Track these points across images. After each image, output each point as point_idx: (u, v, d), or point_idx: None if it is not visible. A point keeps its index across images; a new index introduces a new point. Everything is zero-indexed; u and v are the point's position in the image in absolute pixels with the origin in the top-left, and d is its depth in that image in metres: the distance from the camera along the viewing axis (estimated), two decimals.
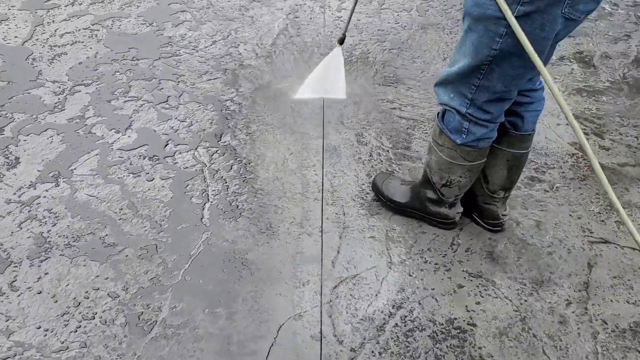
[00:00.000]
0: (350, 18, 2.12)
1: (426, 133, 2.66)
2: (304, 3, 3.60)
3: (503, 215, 2.13)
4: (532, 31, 1.48)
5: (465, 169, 1.91)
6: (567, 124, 2.73)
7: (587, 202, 2.32)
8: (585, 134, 2.69)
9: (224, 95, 2.81)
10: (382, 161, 2.49)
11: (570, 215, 2.26)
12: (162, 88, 2.84)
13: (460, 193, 2.03)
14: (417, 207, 2.16)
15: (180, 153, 2.47)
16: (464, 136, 1.82)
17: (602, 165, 2.41)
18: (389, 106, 2.81)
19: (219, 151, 2.50)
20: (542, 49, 1.54)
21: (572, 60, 3.19)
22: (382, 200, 2.24)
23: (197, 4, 3.52)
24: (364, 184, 2.36)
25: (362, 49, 3.21)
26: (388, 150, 2.55)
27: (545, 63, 1.61)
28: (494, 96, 1.70)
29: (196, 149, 2.50)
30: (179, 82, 2.88)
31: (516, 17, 1.45)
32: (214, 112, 2.71)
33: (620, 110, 2.84)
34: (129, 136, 2.54)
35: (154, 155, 2.45)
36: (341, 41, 2.19)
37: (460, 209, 2.14)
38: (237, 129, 2.61)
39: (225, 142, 2.55)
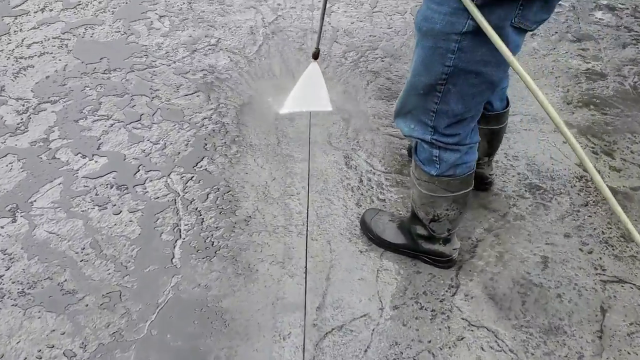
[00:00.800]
0: (320, 30, 2.01)
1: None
2: (288, 7, 3.36)
3: (490, 174, 2.22)
4: (485, 44, 1.36)
5: (450, 200, 1.75)
6: None
7: (599, 233, 2.11)
8: (594, 152, 2.47)
9: (201, 112, 2.59)
10: (372, 187, 2.27)
11: (580, 249, 2.05)
12: (135, 105, 2.61)
13: (453, 227, 1.85)
14: (410, 246, 1.98)
15: (151, 181, 2.25)
16: (437, 166, 1.68)
17: (613, 189, 2.21)
18: (381, 123, 2.59)
19: (194, 178, 2.27)
20: (496, 60, 1.41)
21: (578, 67, 2.96)
22: (372, 239, 2.04)
23: (176, 8, 3.29)
24: (352, 215, 2.15)
25: (352, 57, 2.98)
26: (379, 175, 2.33)
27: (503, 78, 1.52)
28: (455, 119, 1.57)
29: (169, 175, 2.28)
30: (153, 97, 2.65)
31: (465, 32, 1.36)
32: (190, 132, 2.49)
33: (631, 125, 2.62)
34: (96, 161, 2.32)
35: (123, 184, 2.23)
36: (315, 56, 2.11)
37: (457, 245, 1.95)
38: (215, 152, 2.39)
39: (201, 167, 2.33)
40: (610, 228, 2.13)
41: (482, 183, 2.21)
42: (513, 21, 1.35)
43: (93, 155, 2.34)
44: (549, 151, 2.46)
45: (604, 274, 1.97)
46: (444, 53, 1.42)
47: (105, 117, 2.53)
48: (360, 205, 2.18)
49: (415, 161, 1.74)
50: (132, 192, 2.19)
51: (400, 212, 2.15)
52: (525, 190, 2.28)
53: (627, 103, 2.75)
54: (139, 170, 2.29)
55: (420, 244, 1.94)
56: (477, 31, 1.34)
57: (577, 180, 2.33)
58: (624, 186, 2.31)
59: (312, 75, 2.31)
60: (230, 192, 2.22)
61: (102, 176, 2.26)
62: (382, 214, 2.07)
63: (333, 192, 2.24)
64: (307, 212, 2.15)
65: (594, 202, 2.24)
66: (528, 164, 2.39)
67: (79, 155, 2.34)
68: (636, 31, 3.30)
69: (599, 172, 2.36)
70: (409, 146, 2.13)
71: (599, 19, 3.38)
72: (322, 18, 2.02)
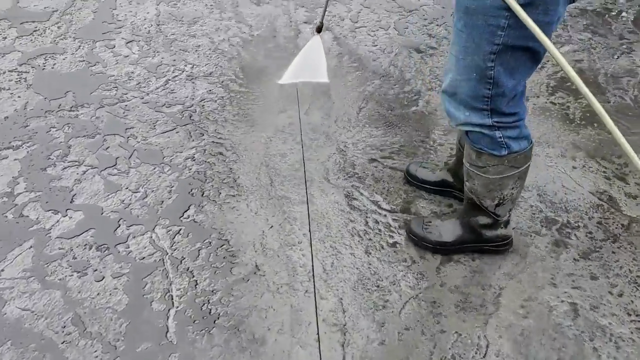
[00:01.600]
0: (326, 5, 1.97)
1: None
2: (265, 24, 3.14)
3: None
4: (535, 18, 1.33)
5: (516, 177, 1.77)
6: (583, 166, 2.38)
7: (626, 272, 1.97)
8: (607, 178, 2.34)
9: (183, 151, 2.35)
10: (380, 230, 2.08)
11: (610, 292, 1.91)
12: (109, 147, 2.36)
13: (514, 206, 1.89)
14: (473, 239, 1.96)
15: (134, 237, 2.01)
16: (504, 145, 1.69)
17: (631, 219, 2.07)
18: (380, 155, 2.40)
19: (182, 231, 2.05)
20: (547, 35, 1.36)
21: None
22: (430, 247, 2.00)
23: (143, 31, 3.03)
24: (362, 266, 1.96)
25: (339, 81, 2.78)
26: (386, 215, 2.15)
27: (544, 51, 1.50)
28: (511, 95, 1.59)
29: (154, 229, 2.05)
30: (128, 137, 2.40)
31: (520, 6, 1.32)
32: (172, 175, 2.25)
33: (638, 143, 2.50)
34: (70, 217, 2.07)
35: (103, 244, 1.98)
36: (319, 29, 2.05)
37: (513, 224, 2.01)
38: (202, 198, 2.16)
39: (188, 217, 2.10)
40: (637, 265, 2.00)
41: None
42: None
43: (66, 210, 2.09)
44: (559, 179, 2.31)
45: (638, 320, 1.82)
46: (494, 30, 1.43)
47: (77, 163, 2.28)
48: (370, 254, 1.99)
49: (476, 150, 1.72)
50: (114, 253, 1.96)
51: (435, 215, 1.97)
52: (542, 226, 2.12)
53: (631, 119, 2.63)
54: (119, 226, 2.05)
55: (483, 234, 1.93)
56: (528, 4, 1.34)
57: (594, 210, 2.19)
58: None
59: (313, 48, 2.18)
60: (223, 246, 2.00)
61: (78, 235, 2.01)
62: (429, 220, 2.03)
63: (338, 239, 2.05)
64: (312, 265, 1.95)
65: (614, 235, 2.10)
66: (540, 195, 2.24)
67: (51, 211, 2.08)
68: (627, 38, 3.19)
69: (613, 199, 2.23)
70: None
71: (588, 25, 3.26)
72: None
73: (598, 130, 2.56)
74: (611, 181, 2.31)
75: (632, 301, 1.88)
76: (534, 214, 2.16)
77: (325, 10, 2.03)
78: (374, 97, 2.70)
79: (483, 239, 1.95)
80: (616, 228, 2.13)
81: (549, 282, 1.93)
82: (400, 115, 2.61)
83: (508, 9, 1.36)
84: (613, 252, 2.04)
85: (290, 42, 3.02)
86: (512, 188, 1.79)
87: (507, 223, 1.92)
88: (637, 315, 1.84)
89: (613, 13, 3.37)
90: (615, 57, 3.03)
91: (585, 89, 1.32)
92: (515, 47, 1.46)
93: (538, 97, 2.74)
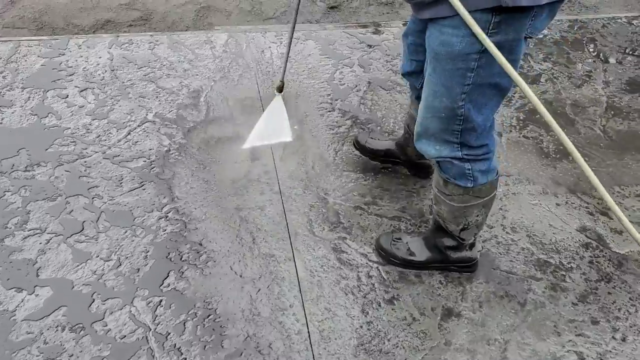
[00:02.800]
0: (286, 64, 2.07)
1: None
2: (231, 63, 3.02)
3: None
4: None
5: (480, 206, 1.83)
6: (566, 202, 2.36)
7: (625, 314, 1.95)
8: (590, 213, 2.33)
9: (154, 210, 2.20)
10: (374, 286, 1.99)
11: (613, 337, 1.88)
12: (73, 210, 2.17)
13: (479, 230, 1.95)
14: (439, 260, 2.02)
15: (112, 313, 1.84)
16: (471, 178, 1.74)
17: (621, 257, 2.06)
18: (363, 201, 2.31)
19: (163, 302, 1.89)
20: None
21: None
22: (398, 264, 2.05)
23: (97, 77, 2.85)
24: (361, 328, 1.85)
25: (311, 124, 2.69)
26: (378, 268, 2.06)
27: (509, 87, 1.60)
28: (480, 130, 1.65)
29: (132, 302, 1.88)
30: (93, 198, 2.23)
31: (484, 50, 1.43)
32: (146, 238, 2.09)
33: (615, 176, 2.52)
34: (37, 295, 1.88)
35: (77, 323, 1.81)
36: (280, 89, 2.14)
37: (480, 246, 2.09)
38: (181, 262, 2.01)
39: (169, 285, 1.94)
40: (634, 306, 1.98)
41: (424, 175, 2.40)
42: (527, 32, 1.45)
43: (32, 286, 1.90)
44: (545, 218, 2.28)
45: None
46: (464, 73, 1.50)
47: (39, 231, 2.08)
48: (367, 313, 1.89)
49: (444, 179, 1.78)
50: (91, 333, 1.78)
51: (413, 258, 1.89)
52: (536, 269, 2.08)
53: (603, 151, 2.66)
54: (93, 301, 1.88)
55: (449, 255, 1.99)
56: (496, 46, 1.41)
57: (584, 249, 2.17)
58: (630, 251, 2.17)
59: (275, 108, 2.24)
60: (210, 317, 1.86)
61: (48, 315, 1.83)
62: (397, 236, 2.08)
63: (331, 299, 1.94)
64: (308, 332, 1.83)
65: (607, 275, 2.08)
66: (529, 236, 2.20)
67: (14, 289, 1.89)
68: (586, 66, 3.25)
69: (600, 236, 2.22)
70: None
71: (547, 55, 3.30)
72: (288, 50, 2.02)
73: (574, 164, 2.56)
74: (595, 217, 2.31)
75: (636, 347, 1.85)
76: (526, 257, 2.12)
77: (285, 68, 2.12)
78: (348, 139, 2.62)
79: (449, 260, 2.00)
80: (608, 267, 2.11)
81: (552, 331, 1.88)
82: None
83: (476, 53, 1.45)
84: (609, 293, 2.02)
85: (263, 76, 2.91)
86: (477, 215, 1.85)
87: (472, 246, 1.98)
88: None
89: (570, 41, 3.43)
90: (577, 86, 3.07)
91: (558, 129, 1.50)
92: (483, 84, 1.53)
93: (510, 131, 2.72)
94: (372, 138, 2.44)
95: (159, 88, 2.82)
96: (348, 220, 2.23)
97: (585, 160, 2.53)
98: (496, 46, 1.41)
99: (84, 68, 2.93)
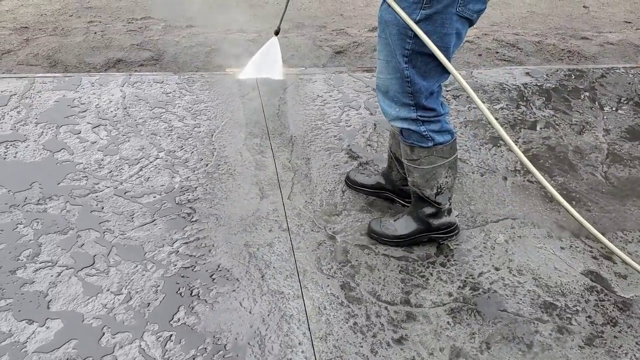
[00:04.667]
0: (284, 12, 2.31)
1: (422, 275, 2.21)
2: (241, 104, 3.09)
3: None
4: (435, 29, 1.77)
5: (447, 167, 2.09)
6: (571, 246, 2.40)
7: (631, 358, 1.96)
8: (594, 258, 2.36)
9: (165, 245, 2.22)
10: (383, 326, 2.00)
11: None
12: (84, 244, 2.20)
13: (451, 194, 2.21)
14: (423, 229, 2.25)
15: (121, 347, 1.85)
16: (430, 139, 2.02)
17: (626, 301, 2.08)
18: (369, 241, 2.34)
19: (173, 337, 1.89)
20: (447, 45, 1.81)
21: (549, 160, 2.90)
22: (388, 242, 2.29)
23: (109, 115, 2.91)
24: None
25: (318, 163, 2.75)
26: (386, 308, 2.07)
27: (449, 59, 1.84)
28: (427, 93, 1.93)
29: (142, 337, 1.89)
30: (104, 232, 2.25)
31: (419, 20, 1.75)
32: (157, 273, 2.11)
33: (618, 220, 2.56)
34: (47, 327, 1.89)
35: (87, 357, 1.81)
36: (276, 32, 2.43)
37: (456, 212, 2.40)
38: (191, 297, 2.03)
39: (179, 320, 1.95)
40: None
41: (408, 200, 2.46)
42: (457, 9, 1.74)
43: (44, 319, 1.90)
44: (551, 261, 2.31)
45: None
46: (404, 38, 1.81)
47: (50, 264, 2.10)
48: (377, 352, 1.90)
49: (408, 145, 2.06)
50: None
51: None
52: (542, 312, 2.10)
53: (605, 197, 2.70)
54: (104, 334, 1.88)
55: (431, 223, 2.23)
56: (428, 19, 1.75)
57: (589, 293, 2.19)
58: (636, 295, 2.20)
59: (270, 48, 2.54)
60: (220, 352, 1.86)
61: (58, 348, 1.83)
62: (385, 218, 2.34)
63: (340, 337, 1.95)
64: None
65: (612, 319, 2.10)
66: (535, 279, 2.23)
67: (25, 320, 1.90)
68: (586, 114, 3.33)
69: (605, 280, 2.25)
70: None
71: (546, 102, 3.39)
72: (287, 2, 2.22)
73: (577, 209, 2.61)
74: (599, 261, 2.34)
75: None
76: (532, 299, 2.14)
77: (283, 16, 2.35)
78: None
79: (432, 228, 2.25)
80: (613, 311, 2.13)
81: None
82: (384, 197, 2.57)
83: (414, 22, 1.74)
84: (615, 337, 2.03)
85: (271, 116, 2.98)
86: (446, 177, 2.11)
87: (449, 211, 2.24)
88: None
89: (569, 89, 3.53)
90: (579, 133, 3.14)
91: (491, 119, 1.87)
92: (422, 53, 1.81)
93: (515, 175, 2.78)
94: (361, 173, 2.61)
95: (170, 126, 2.87)
96: (356, 259, 2.26)
97: (588, 205, 2.60)
98: (427, 18, 1.73)
99: (97, 105, 2.99)
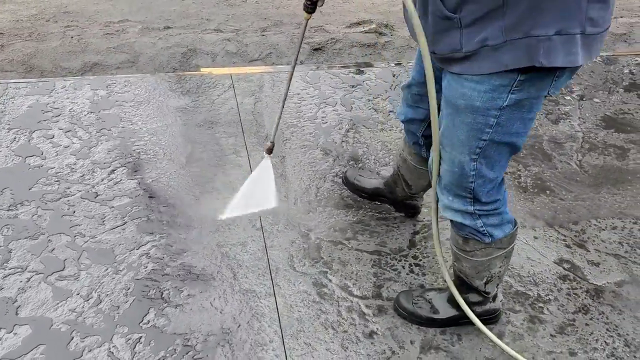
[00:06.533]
0: (277, 125, 2.07)
1: (395, 269, 2.20)
2: (217, 105, 3.08)
3: (421, 205, 2.42)
4: (521, 116, 1.48)
5: (503, 257, 1.81)
6: (544, 236, 2.40)
7: (603, 345, 1.97)
8: (567, 246, 2.37)
9: (137, 248, 2.21)
10: (354, 320, 2.00)
11: None
12: (54, 249, 2.19)
13: (501, 281, 1.93)
14: (463, 316, 1.92)
15: (90, 350, 1.84)
16: (487, 234, 1.73)
17: (598, 288, 2.09)
18: (344, 237, 2.34)
19: (142, 339, 1.89)
20: (526, 130, 1.53)
21: (523, 150, 2.90)
22: (420, 323, 1.99)
23: (83, 119, 2.90)
24: None
25: (293, 161, 2.74)
26: (358, 302, 2.07)
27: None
28: (492, 185, 1.64)
29: (111, 339, 1.88)
30: (75, 236, 2.24)
31: (506, 106, 1.44)
32: (127, 276, 2.10)
33: (592, 209, 2.57)
34: (15, 333, 1.88)
35: None
36: (269, 150, 2.14)
37: (501, 296, 2.03)
38: (162, 299, 2.02)
39: (149, 322, 1.95)
40: (612, 336, 2.00)
41: (412, 212, 2.42)
42: (548, 92, 1.45)
43: (12, 325, 1.89)
44: (523, 251, 2.32)
45: None
46: (482, 128, 1.49)
47: (20, 270, 2.09)
48: (347, 348, 1.90)
49: (465, 237, 1.76)
50: None
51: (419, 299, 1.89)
52: (514, 302, 2.10)
53: (580, 185, 2.71)
54: (72, 338, 1.87)
55: (474, 310, 1.91)
56: (516, 104, 1.44)
57: (561, 282, 2.20)
58: (608, 282, 2.20)
59: (263, 170, 2.24)
60: (189, 353, 1.86)
61: (26, 354, 1.82)
62: (417, 294, 2.03)
63: (311, 334, 1.94)
64: None
65: (584, 307, 2.10)
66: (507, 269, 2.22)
67: None
68: (562, 104, 3.33)
69: (577, 268, 2.25)
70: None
71: None
72: (282, 108, 2.04)
73: (551, 198, 2.61)
74: (572, 249, 2.34)
75: None
76: (505, 289, 2.15)
77: (277, 129, 2.10)
78: (330, 176, 2.66)
79: (474, 315, 1.92)
80: (585, 298, 2.13)
81: None
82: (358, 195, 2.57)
83: (497, 109, 1.45)
84: (587, 325, 2.04)
85: (248, 117, 2.97)
86: (500, 267, 1.83)
87: (495, 297, 1.96)
88: None
89: None
90: (555, 123, 3.15)
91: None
92: (500, 142, 1.52)
93: None
94: (361, 175, 2.49)
95: (144, 128, 2.86)
96: (329, 255, 2.26)
97: (562, 194, 2.60)
98: (516, 103, 1.44)
99: (70, 109, 2.98)
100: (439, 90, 1.56)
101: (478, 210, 1.67)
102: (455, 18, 1.38)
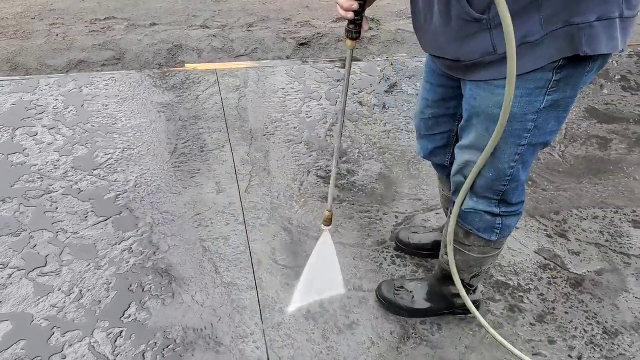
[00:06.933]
0: (332, 191, 1.82)
1: (377, 261, 2.21)
2: (202, 101, 3.08)
3: None
4: (557, 115, 1.41)
5: (496, 256, 1.81)
6: (525, 226, 2.41)
7: (582, 333, 1.98)
8: (549, 236, 2.38)
9: (119, 243, 2.22)
10: (335, 311, 2.01)
11: (570, 356, 1.90)
12: (36, 245, 2.19)
13: (486, 276, 1.98)
14: (445, 307, 1.97)
15: (71, 345, 1.84)
16: (498, 232, 1.68)
17: (579, 277, 2.10)
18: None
19: (124, 333, 1.89)
20: (560, 127, 1.46)
21: None
22: (401, 313, 1.99)
23: (68, 116, 2.90)
24: (322, 352, 1.87)
25: (277, 155, 2.74)
26: (340, 294, 2.07)
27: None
28: (522, 187, 1.60)
29: (92, 334, 1.88)
30: (57, 232, 2.24)
31: (543, 108, 1.37)
32: (109, 271, 2.10)
33: (573, 199, 2.58)
34: None
35: (36, 357, 1.80)
36: (329, 220, 1.86)
37: (482, 287, 2.04)
38: (143, 293, 2.02)
39: (130, 316, 1.95)
40: (591, 324, 2.01)
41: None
42: (582, 88, 1.41)
43: None
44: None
45: None
46: (520, 134, 1.42)
47: (1, 266, 2.09)
48: (328, 338, 1.91)
49: (469, 230, 1.70)
50: None
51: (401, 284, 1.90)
52: (495, 291, 2.12)
53: (562, 176, 2.72)
54: (53, 334, 1.88)
55: (455, 302, 1.94)
56: (553, 105, 1.37)
57: (542, 271, 2.21)
58: (588, 271, 2.22)
59: (323, 246, 2.00)
60: (170, 346, 1.86)
61: (6, 349, 1.82)
62: (400, 285, 2.02)
63: (292, 325, 1.95)
64: (268, 359, 1.84)
65: (564, 295, 2.12)
66: None
67: None
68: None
69: (558, 258, 2.27)
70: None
71: None
72: (334, 178, 1.81)
73: (534, 189, 2.63)
74: (553, 239, 2.36)
75: None
76: (485, 279, 2.16)
77: (332, 197, 1.83)
78: (314, 169, 2.67)
79: (455, 306, 1.95)
80: (565, 287, 2.15)
81: (509, 352, 1.90)
82: (341, 186, 2.58)
83: (533, 113, 1.38)
84: (566, 313, 2.05)
85: (232, 112, 2.97)
86: (491, 264, 1.83)
87: (475, 289, 1.95)
88: None
89: None
90: None
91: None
92: (536, 144, 1.47)
93: None
94: (415, 233, 2.27)
95: (128, 124, 2.86)
96: (311, 248, 2.26)
97: (544, 185, 2.61)
98: (553, 104, 1.37)
99: (54, 107, 2.98)
100: (453, 108, 1.60)
101: (503, 212, 1.63)
102: (484, 19, 1.28)
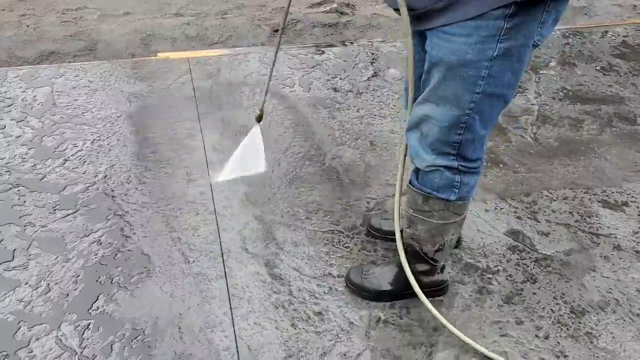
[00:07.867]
0: (266, 92, 2.01)
1: (347, 247, 2.22)
2: (173, 90, 3.05)
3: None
4: (511, 66, 1.46)
5: (457, 224, 1.82)
6: (495, 208, 2.43)
7: (549, 313, 2.00)
8: (519, 217, 2.39)
9: (88, 235, 2.20)
10: (305, 299, 2.01)
11: (537, 336, 1.92)
12: (3, 239, 2.17)
13: (450, 251, 1.98)
14: (410, 287, 1.90)
15: (37, 339, 1.84)
16: (456, 190, 1.70)
17: (547, 257, 2.12)
18: (297, 217, 2.35)
19: (91, 325, 1.89)
20: (517, 82, 1.53)
21: None
22: (369, 296, 2.01)
23: (36, 107, 2.86)
24: (290, 340, 1.87)
25: None
26: (309, 281, 2.08)
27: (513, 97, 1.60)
28: (480, 142, 1.64)
29: (59, 327, 1.88)
30: (25, 226, 2.23)
31: (496, 56, 1.43)
32: (77, 263, 2.09)
33: (544, 181, 2.59)
34: None
35: (1, 352, 1.79)
36: (259, 118, 2.07)
37: (449, 268, 2.07)
38: (112, 285, 2.02)
39: (98, 308, 1.94)
40: (558, 304, 2.03)
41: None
42: (535, 40, 1.45)
43: None
44: (474, 223, 2.34)
45: None
46: (475, 80, 1.47)
47: None
48: (296, 326, 1.91)
49: (424, 194, 1.73)
50: None
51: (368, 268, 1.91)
52: (464, 274, 2.13)
53: (533, 157, 2.74)
54: (19, 328, 1.87)
55: (421, 280, 1.93)
56: (505, 54, 1.42)
57: (511, 252, 2.23)
58: (557, 251, 2.23)
59: (252, 138, 2.15)
60: (138, 337, 1.86)
61: None
62: (367, 269, 2.05)
63: (261, 314, 1.96)
64: (237, 347, 1.84)
65: (532, 276, 2.13)
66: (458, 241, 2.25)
67: None
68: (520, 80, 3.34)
69: (527, 239, 2.28)
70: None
71: None
72: (270, 77, 1.96)
73: (504, 171, 2.64)
74: (523, 221, 2.37)
75: (558, 342, 1.90)
76: (454, 262, 2.17)
77: (265, 96, 2.02)
78: (286, 156, 2.66)
79: (421, 285, 1.91)
80: (534, 268, 2.16)
81: (477, 333, 1.91)
82: (313, 173, 2.58)
83: (487, 60, 1.43)
84: (534, 293, 2.07)
85: (204, 103, 2.95)
86: (452, 234, 1.83)
87: (442, 268, 1.97)
88: (565, 357, 1.85)
89: None
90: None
91: None
92: (493, 94, 1.50)
93: None
94: (385, 219, 2.29)
95: (98, 115, 2.84)
96: (282, 236, 2.26)
97: (515, 167, 2.63)
98: (506, 52, 1.42)
99: (23, 99, 2.94)
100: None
101: (462, 165, 1.65)
102: None
